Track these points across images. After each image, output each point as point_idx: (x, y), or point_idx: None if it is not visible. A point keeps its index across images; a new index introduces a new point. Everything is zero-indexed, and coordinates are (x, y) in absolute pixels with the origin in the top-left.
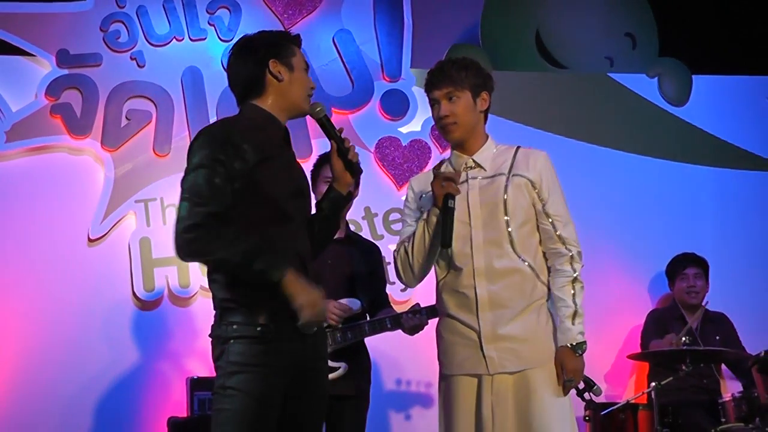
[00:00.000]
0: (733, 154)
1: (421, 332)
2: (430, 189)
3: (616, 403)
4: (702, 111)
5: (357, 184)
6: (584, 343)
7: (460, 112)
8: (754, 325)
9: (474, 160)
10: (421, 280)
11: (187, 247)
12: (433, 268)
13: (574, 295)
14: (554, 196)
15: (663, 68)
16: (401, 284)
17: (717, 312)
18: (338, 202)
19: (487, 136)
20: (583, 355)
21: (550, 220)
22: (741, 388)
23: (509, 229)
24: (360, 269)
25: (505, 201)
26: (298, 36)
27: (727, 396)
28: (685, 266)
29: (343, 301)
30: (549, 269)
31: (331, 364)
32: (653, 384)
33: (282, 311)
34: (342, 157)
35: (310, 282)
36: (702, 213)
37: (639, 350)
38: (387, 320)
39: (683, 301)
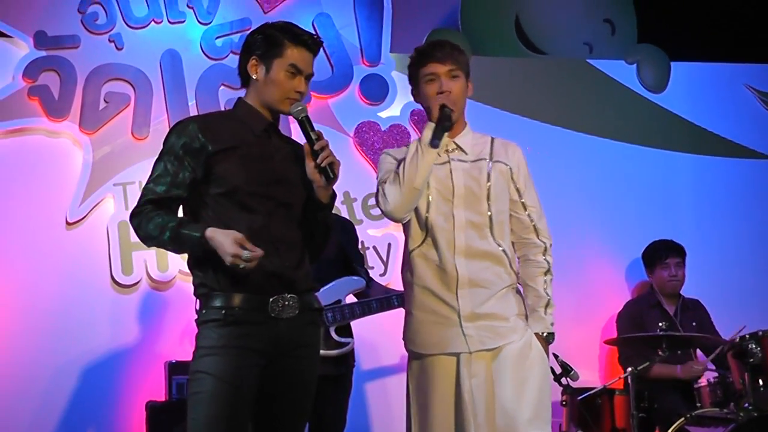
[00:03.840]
0: (711, 141)
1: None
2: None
3: (593, 388)
4: (680, 98)
5: (332, 196)
6: (554, 334)
7: (458, 93)
8: (728, 311)
9: (456, 143)
10: (405, 207)
11: (135, 232)
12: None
13: (546, 286)
14: (530, 188)
15: (642, 54)
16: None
17: (692, 298)
18: (314, 207)
19: (466, 123)
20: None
21: (527, 211)
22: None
23: (489, 214)
24: (348, 248)
25: (488, 187)
26: (305, 36)
27: (702, 381)
28: (667, 255)
29: (348, 279)
30: (519, 259)
31: (339, 339)
32: (630, 369)
33: (253, 296)
34: (314, 159)
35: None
36: (679, 200)
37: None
38: (394, 298)
39: (663, 290)
